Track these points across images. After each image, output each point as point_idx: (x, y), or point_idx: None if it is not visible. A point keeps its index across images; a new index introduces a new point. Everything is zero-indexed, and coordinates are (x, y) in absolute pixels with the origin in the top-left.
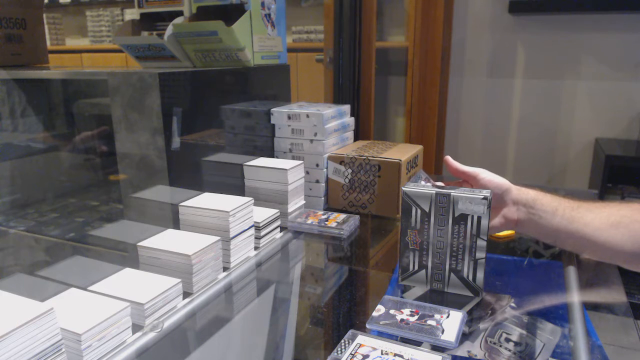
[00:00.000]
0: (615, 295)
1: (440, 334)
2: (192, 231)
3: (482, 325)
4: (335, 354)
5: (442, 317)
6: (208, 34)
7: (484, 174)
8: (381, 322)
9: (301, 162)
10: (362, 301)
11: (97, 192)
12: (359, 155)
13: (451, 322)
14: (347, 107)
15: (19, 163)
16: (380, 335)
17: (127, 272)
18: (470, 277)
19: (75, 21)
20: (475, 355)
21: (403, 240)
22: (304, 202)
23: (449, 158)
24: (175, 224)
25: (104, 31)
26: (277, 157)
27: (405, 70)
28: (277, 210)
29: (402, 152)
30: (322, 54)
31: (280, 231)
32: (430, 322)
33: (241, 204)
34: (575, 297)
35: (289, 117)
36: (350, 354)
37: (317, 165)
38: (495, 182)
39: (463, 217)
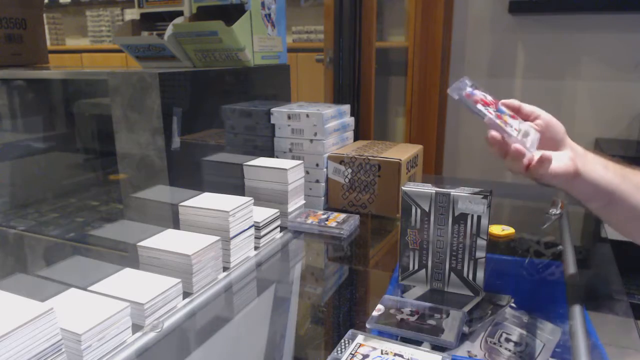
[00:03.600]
0: (615, 295)
1: (440, 334)
2: (192, 231)
3: (482, 325)
4: (335, 353)
5: (442, 317)
6: (208, 34)
7: (546, 114)
8: (381, 322)
9: (301, 162)
10: (362, 301)
11: (97, 192)
12: (359, 155)
13: (451, 322)
14: (347, 107)
15: (19, 163)
16: (380, 335)
17: (127, 272)
18: (470, 277)
19: (75, 21)
20: (475, 355)
21: (403, 240)
22: (304, 202)
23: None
24: (175, 224)
25: (104, 31)
26: (277, 157)
27: (405, 70)
28: (277, 210)
29: (402, 152)
30: (322, 54)
31: (280, 231)
32: (430, 322)
33: (241, 204)
34: (575, 297)
35: (289, 117)
36: (350, 353)
37: (317, 165)
38: (557, 122)
39: (463, 217)
